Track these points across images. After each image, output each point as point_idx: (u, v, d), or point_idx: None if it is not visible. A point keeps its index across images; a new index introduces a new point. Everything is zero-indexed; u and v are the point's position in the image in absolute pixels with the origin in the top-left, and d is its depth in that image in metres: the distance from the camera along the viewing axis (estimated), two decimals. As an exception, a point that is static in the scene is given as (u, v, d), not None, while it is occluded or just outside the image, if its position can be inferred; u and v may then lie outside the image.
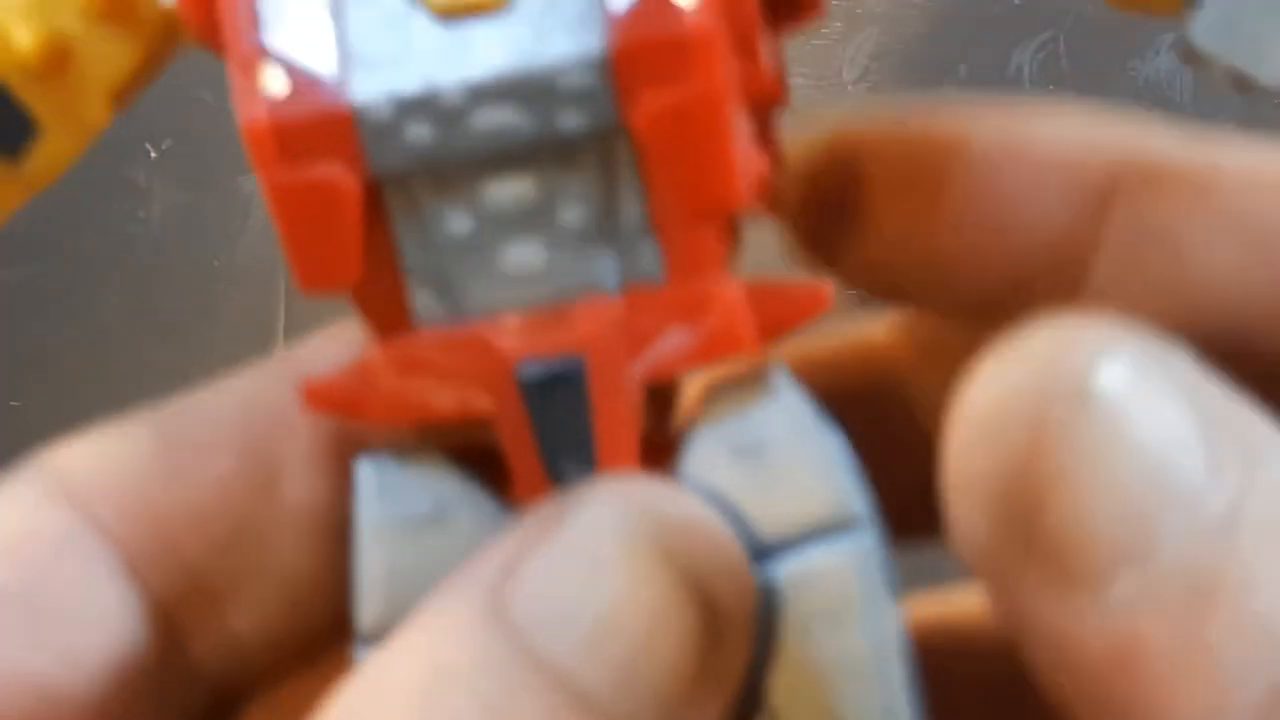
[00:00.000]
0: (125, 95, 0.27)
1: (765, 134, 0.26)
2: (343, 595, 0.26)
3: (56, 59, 0.26)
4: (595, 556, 0.22)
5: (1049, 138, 0.25)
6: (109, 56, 0.27)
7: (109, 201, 0.67)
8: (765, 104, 0.26)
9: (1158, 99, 0.63)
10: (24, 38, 0.26)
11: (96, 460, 0.26)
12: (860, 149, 0.26)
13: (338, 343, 0.27)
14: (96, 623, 0.25)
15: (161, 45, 0.27)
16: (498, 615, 0.22)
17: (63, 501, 0.25)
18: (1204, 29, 0.28)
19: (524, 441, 0.24)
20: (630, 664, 0.22)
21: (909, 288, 0.27)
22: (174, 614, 0.26)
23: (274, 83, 0.24)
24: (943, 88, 0.64)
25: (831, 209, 0.27)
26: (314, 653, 0.27)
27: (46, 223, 0.67)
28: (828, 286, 0.25)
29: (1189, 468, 0.19)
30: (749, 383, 0.25)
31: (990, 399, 0.20)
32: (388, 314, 0.25)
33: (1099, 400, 0.20)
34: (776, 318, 0.25)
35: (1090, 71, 0.63)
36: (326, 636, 0.26)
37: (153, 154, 0.66)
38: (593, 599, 0.22)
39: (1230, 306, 0.24)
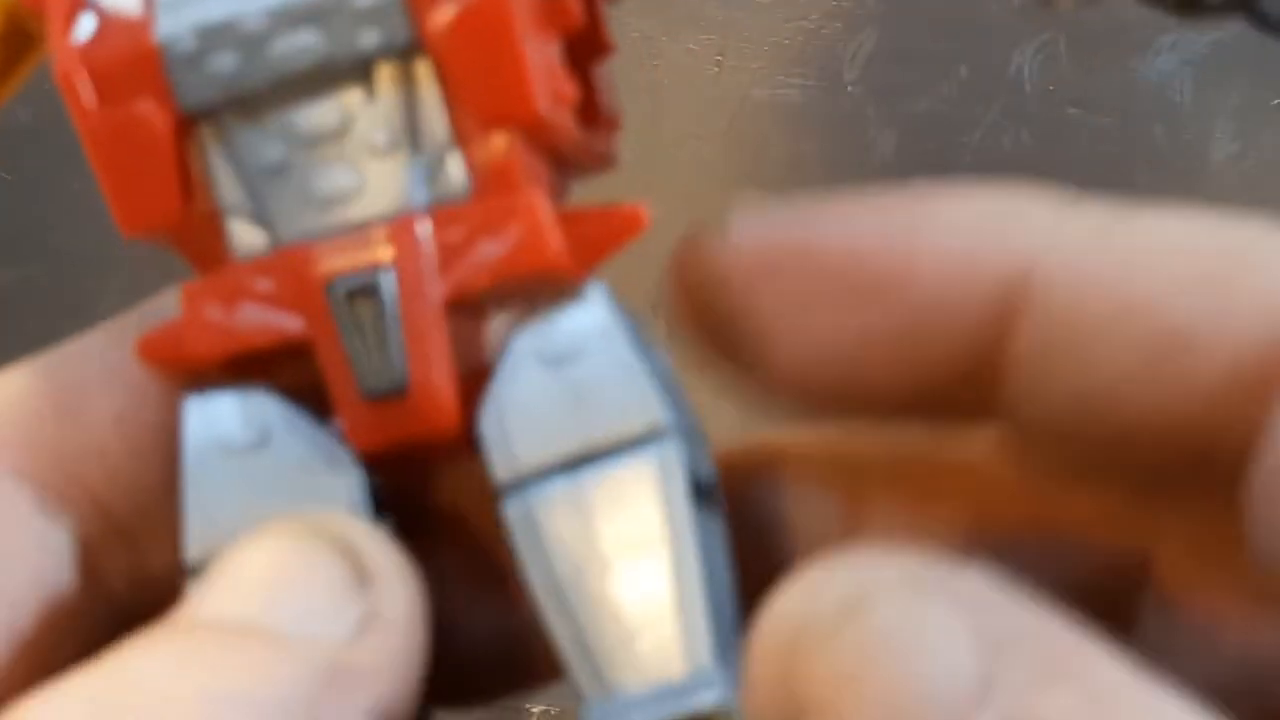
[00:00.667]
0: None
1: (585, 77, 0.27)
2: None
3: None
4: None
5: (951, 241, 0.25)
6: None
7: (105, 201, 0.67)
8: (582, 44, 0.26)
9: (1158, 99, 0.63)
10: None
11: None
12: (752, 274, 0.26)
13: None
14: (18, 558, 0.25)
15: (11, 32, 0.27)
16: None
17: None
18: None
19: (336, 359, 0.24)
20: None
21: (824, 403, 0.26)
22: (91, 551, 0.26)
23: (84, 27, 0.24)
24: (943, 88, 0.64)
25: (733, 325, 0.26)
26: None
27: (42, 223, 0.66)
28: (643, 210, 0.25)
29: (953, 694, 0.19)
30: (565, 298, 0.25)
31: (766, 626, 0.20)
32: (208, 251, 0.25)
33: (860, 628, 0.19)
34: (591, 239, 0.25)
35: (1090, 71, 0.63)
36: None
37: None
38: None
39: (1138, 412, 0.24)
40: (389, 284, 0.24)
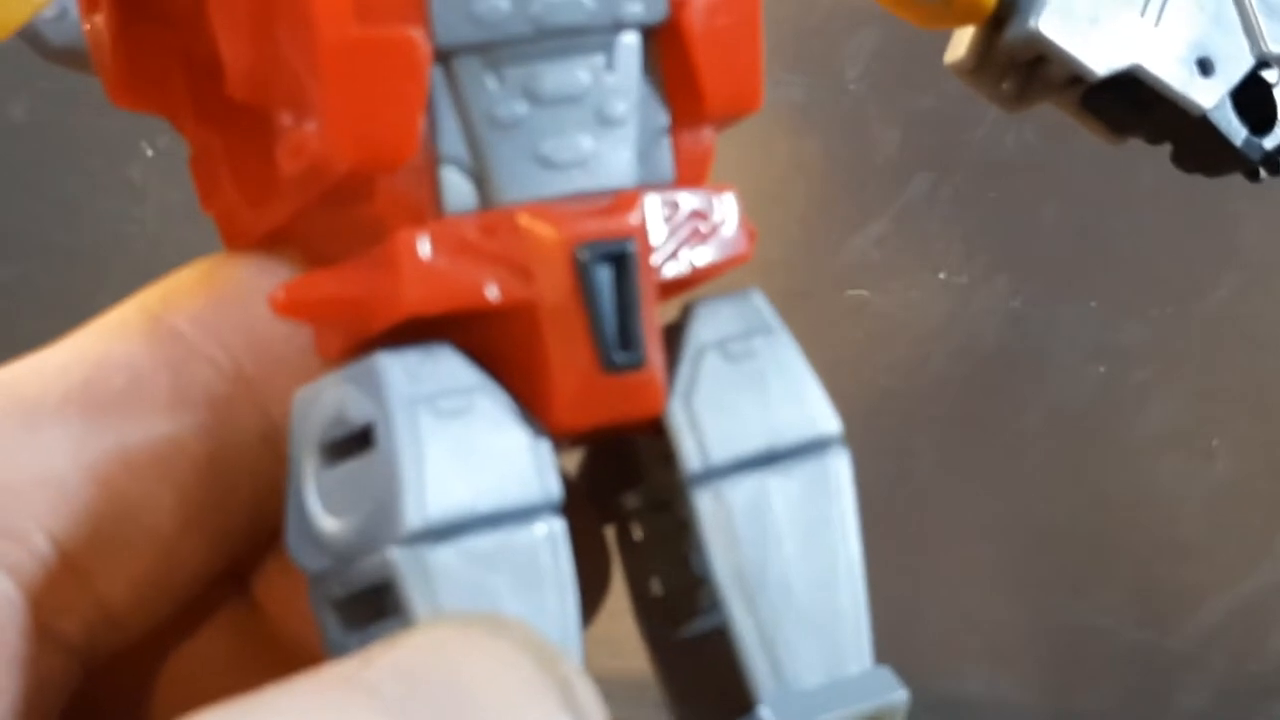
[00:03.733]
0: None
1: None
2: (215, 545, 0.25)
3: None
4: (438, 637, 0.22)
5: None
6: None
7: (105, 200, 0.67)
8: None
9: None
10: None
11: None
12: None
13: (196, 286, 0.25)
14: None
15: None
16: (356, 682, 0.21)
17: None
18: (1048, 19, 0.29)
19: (570, 326, 0.23)
20: None
21: None
22: (37, 589, 0.24)
23: None
24: (945, 85, 0.63)
25: None
26: (190, 609, 0.25)
27: (42, 221, 0.66)
28: (752, 225, 0.25)
29: None
30: (732, 297, 0.25)
31: None
32: (414, 199, 0.23)
33: None
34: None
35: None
36: (201, 590, 0.25)
37: (149, 152, 0.66)
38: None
39: None
40: (633, 257, 0.23)
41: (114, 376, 0.24)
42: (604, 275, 0.23)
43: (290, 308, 0.24)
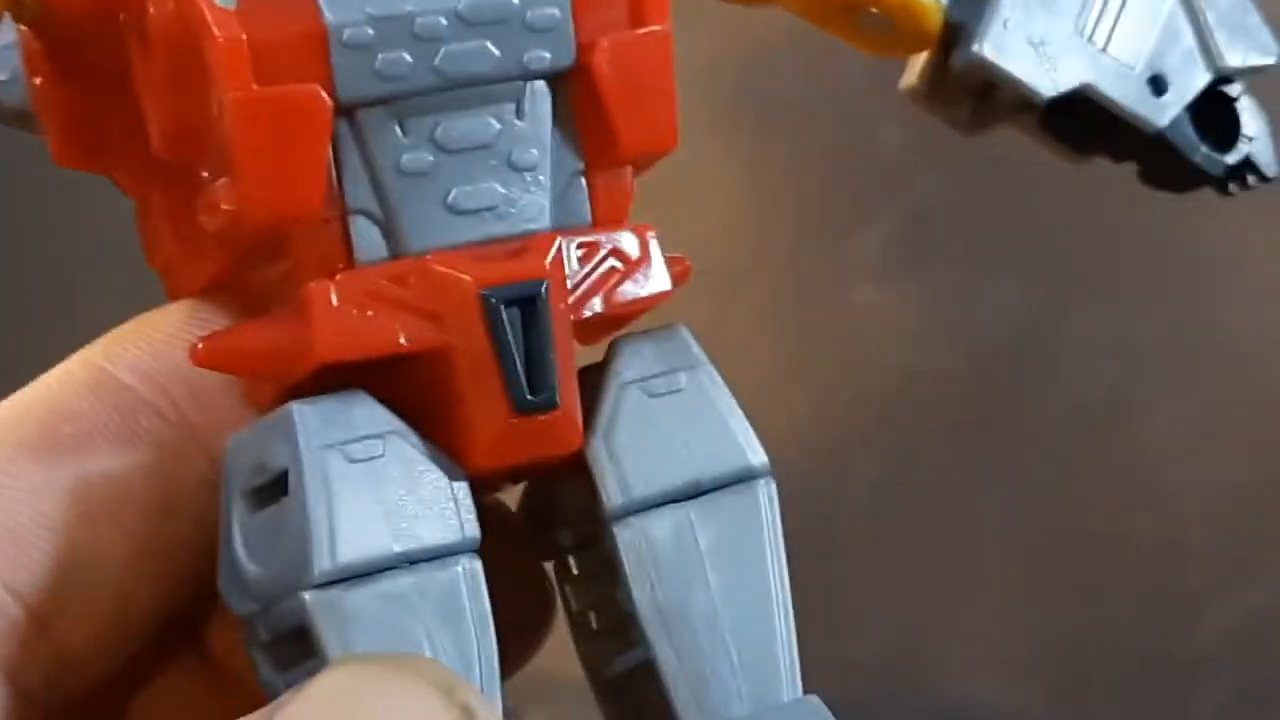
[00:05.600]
0: None
1: None
2: (168, 588, 0.25)
3: None
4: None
5: None
6: None
7: (101, 201, 0.67)
8: None
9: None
10: None
11: None
12: None
13: (137, 337, 0.26)
14: None
15: None
16: None
17: None
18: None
19: (481, 370, 0.23)
20: None
21: None
22: (3, 649, 0.24)
23: None
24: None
25: None
26: (146, 653, 0.26)
27: (36, 223, 0.66)
28: (685, 260, 0.25)
29: None
30: (656, 335, 0.25)
31: None
32: (318, 250, 0.24)
33: None
34: (677, 275, 0.26)
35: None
36: (156, 634, 0.26)
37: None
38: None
39: None
40: (543, 299, 0.24)
41: (63, 427, 0.25)
42: (514, 318, 0.23)
43: (209, 359, 0.24)
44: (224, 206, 0.23)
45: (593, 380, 0.25)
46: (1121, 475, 0.62)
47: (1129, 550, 0.62)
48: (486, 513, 0.25)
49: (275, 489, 0.24)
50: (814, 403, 0.62)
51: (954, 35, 0.29)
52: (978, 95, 0.30)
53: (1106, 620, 0.62)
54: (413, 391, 0.24)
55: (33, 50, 0.25)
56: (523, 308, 0.23)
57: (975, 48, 0.29)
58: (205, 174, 0.24)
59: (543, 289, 0.24)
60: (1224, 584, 0.61)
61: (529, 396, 0.23)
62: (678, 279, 0.25)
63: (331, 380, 0.24)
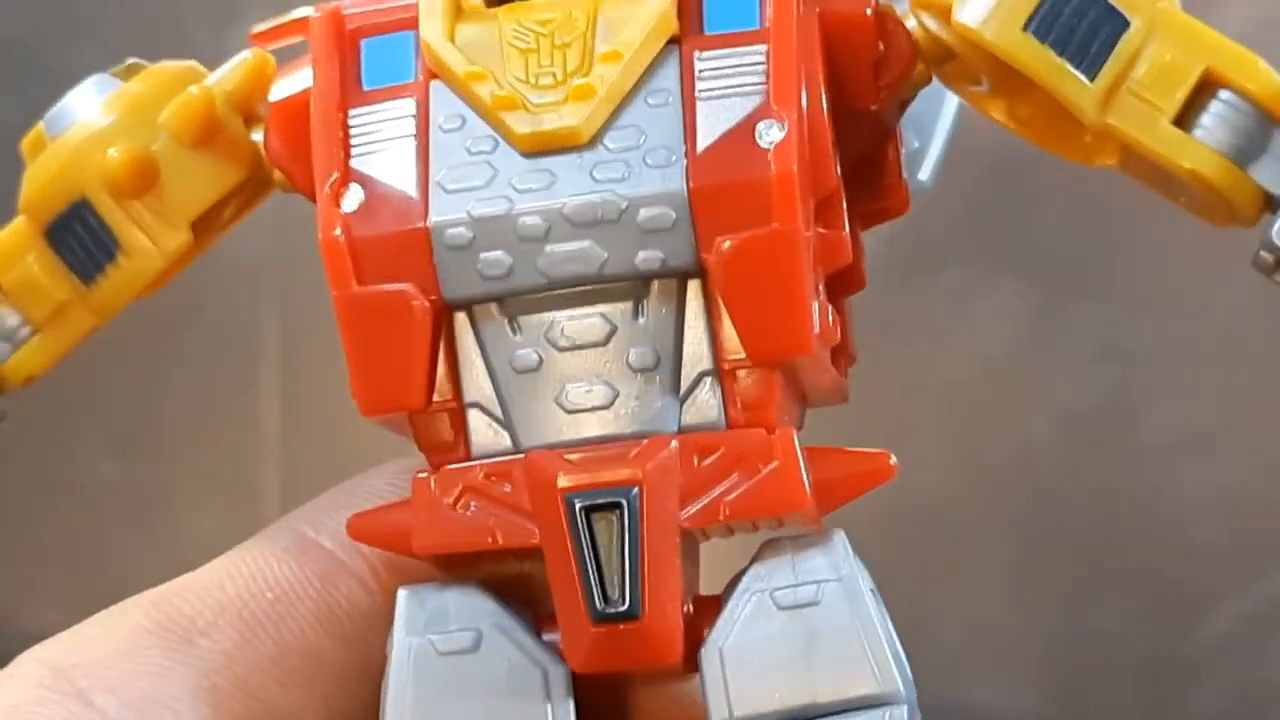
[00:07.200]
0: (209, 224, 0.27)
1: (838, 313, 0.26)
2: None
3: (143, 177, 0.27)
4: None
5: None
6: (194, 182, 0.27)
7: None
8: (841, 281, 0.26)
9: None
10: (115, 153, 0.27)
11: (93, 649, 0.25)
12: None
13: (338, 505, 0.26)
14: None
15: (251, 179, 0.27)
16: None
17: (64, 689, 0.25)
18: None
19: (566, 574, 0.23)
20: None
21: None
22: None
23: (352, 198, 0.24)
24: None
25: None
26: None
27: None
28: (889, 456, 0.25)
29: None
30: (804, 541, 0.24)
31: None
32: (441, 439, 0.24)
33: None
34: (837, 482, 0.24)
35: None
36: None
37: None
38: None
39: None
40: (633, 506, 0.23)
41: (265, 592, 0.26)
42: (603, 525, 0.23)
43: (356, 533, 0.25)
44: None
45: (733, 584, 0.25)
46: (1121, 475, 0.62)
47: (1129, 550, 0.62)
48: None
49: None
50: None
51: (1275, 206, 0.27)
52: None
53: (1106, 620, 0.62)
54: (541, 584, 0.24)
55: None
56: (611, 514, 0.23)
57: (1274, 231, 0.27)
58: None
59: (631, 495, 0.23)
60: (1224, 584, 0.61)
61: (602, 607, 0.23)
62: (865, 478, 0.24)
63: (469, 563, 0.24)
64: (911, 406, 0.63)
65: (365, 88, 0.24)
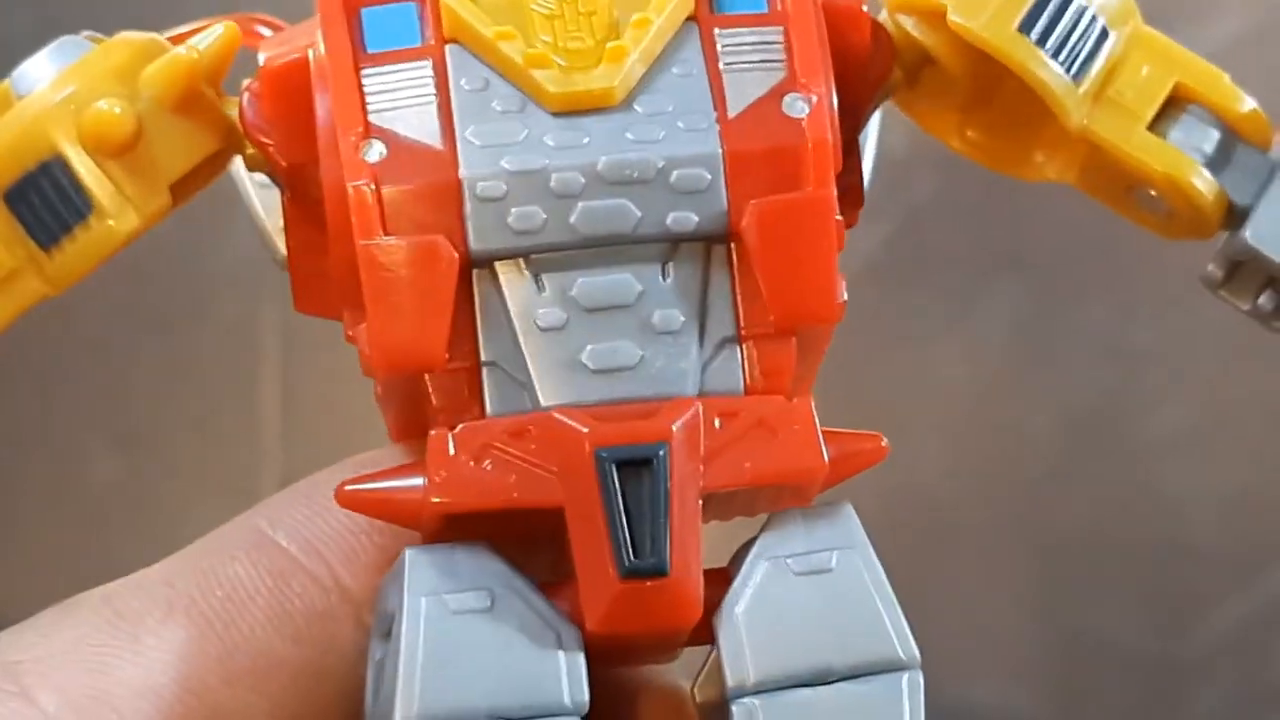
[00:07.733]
0: (183, 189, 0.27)
1: None
2: None
3: (130, 136, 0.26)
4: None
5: None
6: (174, 145, 0.27)
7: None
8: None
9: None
10: (105, 107, 0.26)
11: (41, 646, 0.25)
12: None
13: (297, 501, 0.26)
14: None
15: (222, 151, 0.27)
16: None
17: (8, 686, 0.24)
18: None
19: (592, 531, 0.23)
20: None
21: None
22: None
23: (374, 153, 0.23)
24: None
25: None
26: None
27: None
28: (881, 438, 0.25)
29: None
30: (813, 512, 0.24)
31: None
32: (457, 397, 0.24)
33: None
34: (839, 459, 0.24)
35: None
36: None
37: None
38: None
39: None
40: (662, 463, 0.23)
41: (215, 589, 0.25)
42: (632, 480, 0.23)
43: (348, 500, 0.24)
44: (364, 350, 0.24)
45: (742, 554, 0.24)
46: (1121, 475, 0.62)
47: (1129, 550, 0.62)
48: (661, 699, 0.25)
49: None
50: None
51: (1238, 221, 0.28)
52: (1273, 284, 0.29)
53: (1106, 620, 0.62)
54: (546, 549, 0.24)
55: (288, 213, 0.26)
56: (641, 470, 0.23)
57: (1245, 234, 0.27)
58: (353, 317, 0.25)
59: (661, 452, 0.23)
60: (1224, 585, 0.61)
61: (633, 560, 0.23)
62: (858, 457, 0.25)
63: (470, 530, 0.24)
64: (911, 406, 0.63)
65: (370, 50, 0.24)
